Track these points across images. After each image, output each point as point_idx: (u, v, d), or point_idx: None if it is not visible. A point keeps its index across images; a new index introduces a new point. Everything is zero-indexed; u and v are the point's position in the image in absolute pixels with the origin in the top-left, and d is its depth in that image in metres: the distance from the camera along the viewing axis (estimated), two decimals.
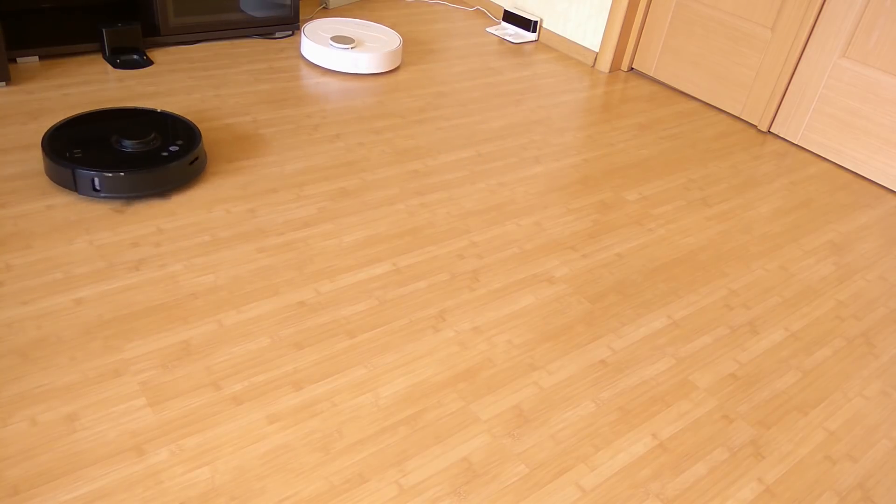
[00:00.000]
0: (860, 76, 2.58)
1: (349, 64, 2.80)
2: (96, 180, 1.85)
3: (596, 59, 3.26)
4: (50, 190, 1.92)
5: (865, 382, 1.72)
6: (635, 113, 2.89)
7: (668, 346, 1.73)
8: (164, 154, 1.95)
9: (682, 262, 2.04)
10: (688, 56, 3.07)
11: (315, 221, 1.96)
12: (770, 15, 2.77)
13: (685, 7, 3.02)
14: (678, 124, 2.85)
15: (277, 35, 3.05)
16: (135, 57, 2.65)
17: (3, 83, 2.36)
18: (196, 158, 2.01)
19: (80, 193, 1.88)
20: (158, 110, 2.16)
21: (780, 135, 2.87)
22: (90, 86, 2.44)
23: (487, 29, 3.49)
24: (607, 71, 3.24)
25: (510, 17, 3.52)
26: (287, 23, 3.03)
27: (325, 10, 3.40)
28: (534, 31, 3.43)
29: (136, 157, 1.92)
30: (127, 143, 1.95)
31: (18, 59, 2.51)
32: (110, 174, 1.86)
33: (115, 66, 2.59)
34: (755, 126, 2.93)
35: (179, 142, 2.01)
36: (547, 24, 3.44)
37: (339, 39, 2.84)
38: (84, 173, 1.85)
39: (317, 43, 2.81)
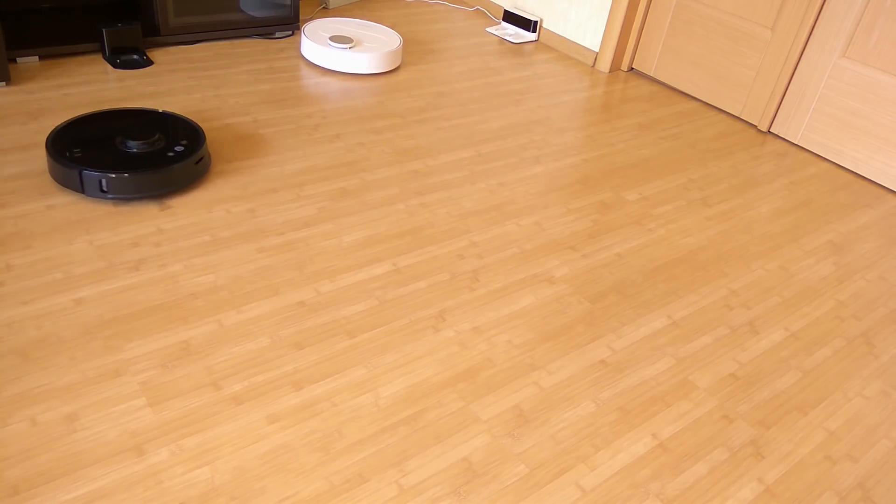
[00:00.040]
0: (860, 76, 2.58)
1: (349, 64, 2.80)
2: (104, 181, 1.85)
3: (596, 59, 3.26)
4: (50, 190, 1.92)
5: (865, 382, 1.72)
6: (635, 113, 2.89)
7: (668, 346, 1.73)
8: (170, 154, 1.96)
9: (682, 262, 2.04)
10: (688, 56, 3.07)
11: (315, 221, 1.96)
12: (770, 15, 2.77)
13: (685, 7, 3.02)
14: (678, 124, 2.86)
15: (277, 35, 3.05)
16: (135, 57, 2.65)
17: (3, 83, 2.36)
18: (201, 158, 2.01)
19: (86, 195, 1.88)
20: (160, 111, 2.16)
21: (780, 135, 2.87)
22: (90, 86, 2.44)
23: (487, 29, 3.49)
24: (607, 71, 3.24)
25: (510, 17, 3.52)
26: (287, 23, 3.04)
27: (325, 10, 3.40)
28: (534, 31, 3.43)
29: (142, 157, 1.93)
30: (132, 143, 1.95)
31: (18, 59, 2.51)
32: (118, 175, 1.86)
33: (115, 66, 2.59)
34: (755, 126, 2.93)
35: (184, 142, 2.01)
36: (547, 24, 3.44)
37: (337, 39, 2.84)
38: (91, 174, 1.85)
39: (317, 43, 2.81)
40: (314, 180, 2.13)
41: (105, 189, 1.86)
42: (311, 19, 3.24)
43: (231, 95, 2.52)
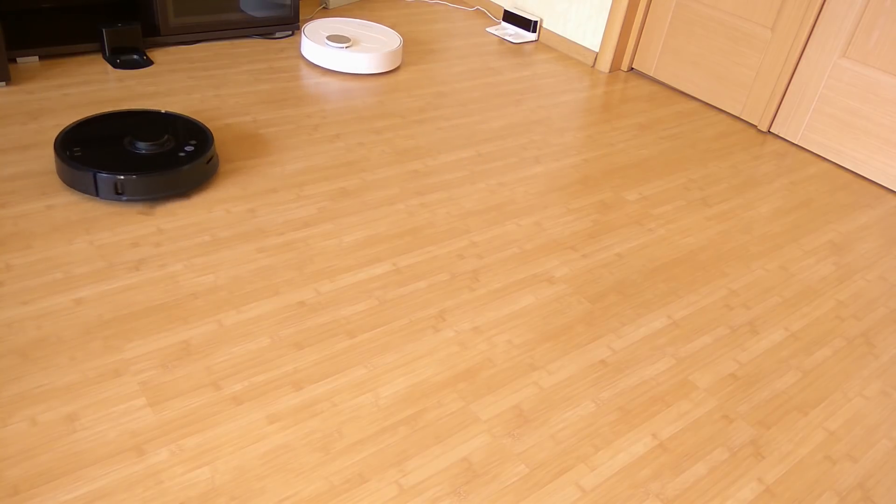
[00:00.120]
0: (860, 76, 2.58)
1: (349, 64, 2.80)
2: (119, 183, 1.85)
3: (596, 59, 3.26)
4: (50, 190, 1.92)
5: (865, 382, 1.72)
6: (635, 113, 2.89)
7: (668, 346, 1.73)
8: (181, 154, 1.96)
9: (682, 262, 2.04)
10: (688, 56, 3.07)
11: (315, 221, 1.96)
12: (770, 15, 2.77)
13: (685, 7, 3.02)
14: (678, 124, 2.86)
15: (277, 35, 3.05)
16: (135, 57, 2.65)
17: (3, 83, 2.36)
18: (211, 158, 2.02)
19: (101, 198, 1.88)
20: (163, 111, 2.16)
21: (780, 135, 2.87)
22: (90, 86, 2.44)
23: (487, 29, 3.49)
24: (607, 71, 3.24)
25: (510, 17, 3.52)
26: (287, 23, 3.04)
27: (325, 10, 3.40)
28: (534, 31, 3.43)
29: (153, 158, 1.93)
30: (141, 145, 1.95)
31: (18, 59, 2.51)
32: (135, 176, 1.86)
33: (115, 66, 2.59)
34: (755, 126, 2.93)
35: (193, 142, 2.02)
36: (547, 24, 3.44)
37: (335, 38, 2.84)
38: (105, 177, 1.84)
39: (317, 43, 2.81)
40: (314, 180, 2.13)
41: (121, 191, 1.86)
42: (311, 19, 3.24)
43: (231, 95, 2.52)
